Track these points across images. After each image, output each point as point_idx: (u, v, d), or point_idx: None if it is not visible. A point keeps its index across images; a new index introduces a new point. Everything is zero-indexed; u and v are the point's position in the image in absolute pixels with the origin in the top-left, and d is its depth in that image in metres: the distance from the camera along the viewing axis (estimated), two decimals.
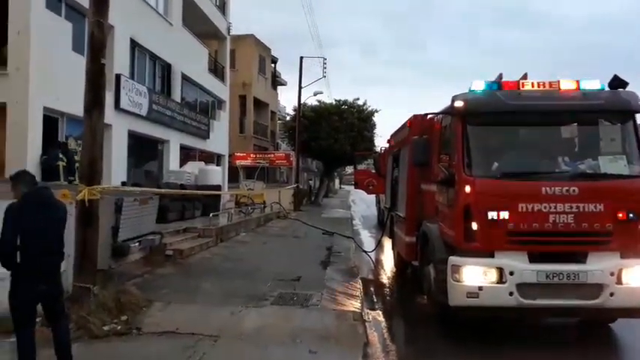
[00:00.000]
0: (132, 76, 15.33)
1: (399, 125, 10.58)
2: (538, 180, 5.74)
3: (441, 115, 6.91)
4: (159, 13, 17.21)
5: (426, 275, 6.83)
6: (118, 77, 14.00)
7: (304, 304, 6.87)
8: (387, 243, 12.23)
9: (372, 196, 22.53)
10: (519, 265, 5.63)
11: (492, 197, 5.70)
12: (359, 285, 8.73)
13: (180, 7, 18.89)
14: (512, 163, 6.10)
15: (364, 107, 32.01)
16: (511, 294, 5.58)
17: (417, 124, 8.25)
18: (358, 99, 32.23)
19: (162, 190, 10.99)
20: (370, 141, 31.79)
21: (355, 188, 19.31)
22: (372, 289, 9.13)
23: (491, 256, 5.75)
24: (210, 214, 12.95)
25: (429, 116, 6.70)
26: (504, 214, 5.60)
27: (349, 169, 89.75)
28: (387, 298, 8.87)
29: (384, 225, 11.76)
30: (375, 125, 32.58)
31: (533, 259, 5.68)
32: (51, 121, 11.58)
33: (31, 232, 4.08)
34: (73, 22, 12.02)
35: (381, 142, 30.62)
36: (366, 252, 12.83)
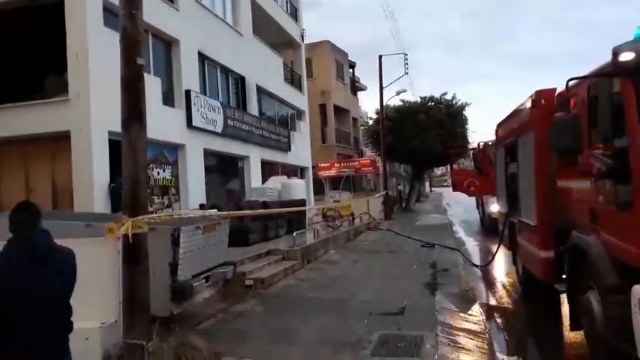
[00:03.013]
0: (203, 92, 14.49)
1: (495, 117, 8.57)
2: None
3: (589, 82, 4.91)
4: (227, 24, 16.36)
5: (586, 307, 4.82)
6: (187, 93, 13.16)
7: (416, 353, 5.14)
8: (502, 253, 10.14)
9: (469, 198, 20.18)
10: None
11: None
12: (481, 316, 6.84)
13: (249, 17, 17.99)
14: None
15: (453, 102, 29.59)
16: None
17: (548, 99, 6.27)
18: (445, 94, 29.93)
19: (231, 213, 9.84)
20: (463, 137, 29.27)
21: (453, 190, 17.09)
22: (498, 320, 7.17)
23: None
24: (294, 233, 11.58)
25: (570, 84, 4.77)
26: None
27: (438, 171, 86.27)
28: (523, 334, 6.83)
29: (500, 234, 9.68)
30: (466, 120, 30.04)
31: None
32: (119, 146, 10.81)
33: (15, 300, 2.75)
34: None
35: (475, 137, 28.13)
36: (478, 267, 10.81)
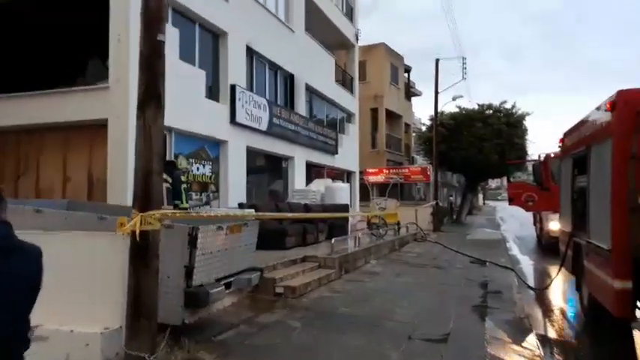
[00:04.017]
0: (250, 88, 14.08)
1: (557, 130, 7.54)
2: None
3: None
4: (279, 19, 15.92)
5: None
6: (233, 88, 12.76)
7: None
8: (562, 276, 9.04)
9: (524, 212, 18.81)
10: None
11: None
12: (538, 350, 5.89)
13: (302, 13, 17.51)
14: None
15: (513, 110, 28.01)
16: None
17: (632, 100, 5.31)
18: (505, 102, 28.40)
19: (267, 214, 9.26)
20: (521, 149, 27.62)
21: (509, 204, 15.94)
22: (558, 356, 6.18)
23: None
24: (333, 240, 10.87)
25: None
26: None
27: (493, 183, 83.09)
28: None
29: (562, 255, 8.62)
30: (526, 130, 28.32)
31: None
32: None
33: None
34: (180, 28, 10.93)
35: (534, 149, 26.52)
36: (535, 290, 9.72)
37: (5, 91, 10.31)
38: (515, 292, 9.11)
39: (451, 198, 38.11)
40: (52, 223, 5.40)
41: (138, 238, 4.33)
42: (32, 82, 10.07)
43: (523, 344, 6.09)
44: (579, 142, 7.66)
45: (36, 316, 5.14)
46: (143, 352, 4.36)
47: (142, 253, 4.42)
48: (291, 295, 8.02)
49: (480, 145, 26.39)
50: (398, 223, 17.93)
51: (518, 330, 6.69)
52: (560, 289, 9.72)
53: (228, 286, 5.81)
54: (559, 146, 9.57)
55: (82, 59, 10.41)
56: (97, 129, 9.75)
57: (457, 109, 29.09)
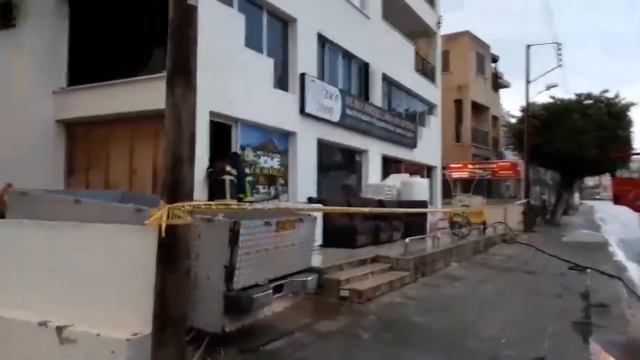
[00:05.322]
0: (321, 77, 13.38)
1: None
2: None
3: None
4: (353, 5, 15.06)
5: None
6: (302, 77, 12.12)
7: None
8: None
9: (629, 213, 16.60)
10: None
11: None
12: None
13: None
14: None
15: (616, 100, 25.11)
16: None
17: None
18: (607, 91, 25.51)
19: (333, 208, 8.46)
20: (626, 142, 24.74)
21: (614, 203, 14.05)
22: None
23: None
24: (407, 239, 9.87)
25: None
26: None
27: (590, 181, 76.56)
28: None
29: None
30: (631, 122, 25.27)
31: None
32: (222, 128, 10.09)
33: None
34: (246, 14, 10.43)
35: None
36: None
37: (75, 84, 10.38)
38: (626, 307, 7.65)
39: (544, 196, 35.20)
40: (90, 214, 4.98)
41: (163, 234, 3.71)
42: (102, 73, 10.02)
43: None
44: None
45: (65, 316, 4.57)
46: None
47: (169, 251, 3.80)
48: (357, 300, 7.21)
49: (577, 138, 23.87)
50: (484, 223, 16.50)
51: (633, 356, 5.40)
52: None
53: (279, 289, 5.10)
54: None
55: (150, 48, 10.19)
56: (162, 119, 9.45)
57: (551, 100, 26.62)
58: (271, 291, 4.83)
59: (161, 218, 3.74)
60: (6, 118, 10.72)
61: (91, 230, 4.40)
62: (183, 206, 3.83)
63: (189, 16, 3.92)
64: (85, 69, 10.49)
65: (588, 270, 10.62)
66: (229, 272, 4.42)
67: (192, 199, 4.01)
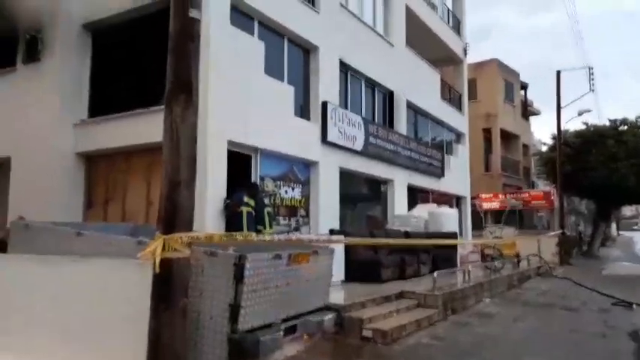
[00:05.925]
0: (344, 105, 13.08)
1: None
2: None
3: None
4: (376, 32, 14.86)
5: None
6: (324, 105, 11.83)
7: None
8: None
9: None
10: None
11: None
12: None
13: (403, 26, 16.30)
14: None
15: None
16: None
17: None
18: None
19: (354, 239, 8.00)
20: None
21: None
22: None
23: None
24: (435, 273, 9.25)
25: None
26: None
27: (628, 211, 73.32)
28: None
29: None
30: None
31: None
32: (241, 158, 9.81)
33: None
34: (267, 42, 10.27)
35: None
36: None
37: (95, 115, 10.33)
38: None
39: (579, 227, 33.79)
40: (92, 247, 4.67)
41: (157, 269, 3.34)
42: (121, 105, 9.96)
43: None
44: None
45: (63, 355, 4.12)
46: None
47: (164, 287, 3.42)
48: (381, 341, 6.64)
49: (612, 165, 22.88)
50: (517, 255, 15.68)
51: None
52: None
53: (292, 330, 4.64)
54: None
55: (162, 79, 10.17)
56: None
57: (583, 127, 25.74)
58: (282, 332, 4.37)
59: (155, 251, 3.38)
60: (27, 150, 10.68)
61: (84, 265, 4.05)
62: (180, 237, 3.47)
63: (189, 29, 3.66)
64: (105, 101, 10.46)
65: (634, 305, 9.78)
66: (234, 311, 4.01)
67: (191, 229, 3.65)
